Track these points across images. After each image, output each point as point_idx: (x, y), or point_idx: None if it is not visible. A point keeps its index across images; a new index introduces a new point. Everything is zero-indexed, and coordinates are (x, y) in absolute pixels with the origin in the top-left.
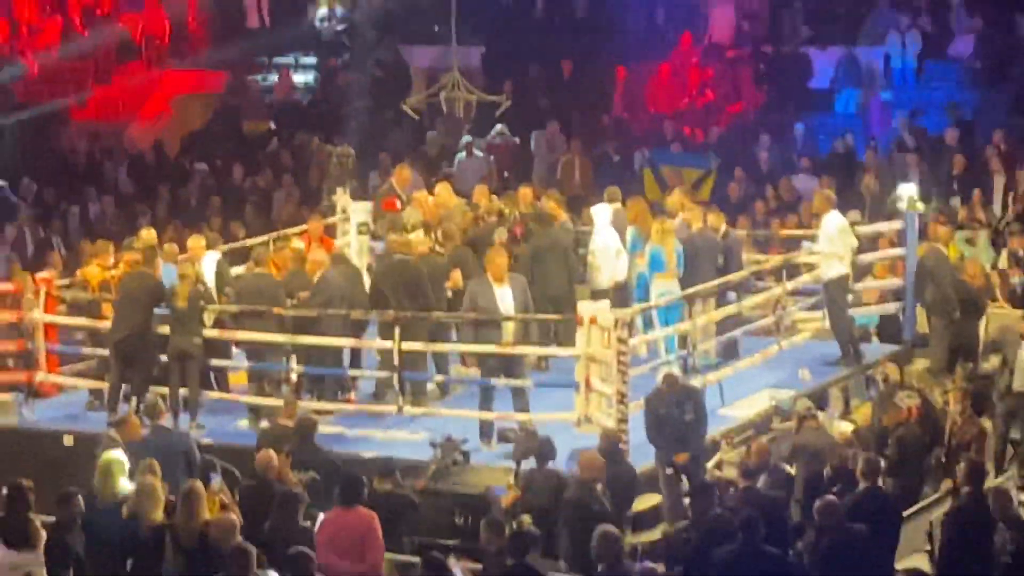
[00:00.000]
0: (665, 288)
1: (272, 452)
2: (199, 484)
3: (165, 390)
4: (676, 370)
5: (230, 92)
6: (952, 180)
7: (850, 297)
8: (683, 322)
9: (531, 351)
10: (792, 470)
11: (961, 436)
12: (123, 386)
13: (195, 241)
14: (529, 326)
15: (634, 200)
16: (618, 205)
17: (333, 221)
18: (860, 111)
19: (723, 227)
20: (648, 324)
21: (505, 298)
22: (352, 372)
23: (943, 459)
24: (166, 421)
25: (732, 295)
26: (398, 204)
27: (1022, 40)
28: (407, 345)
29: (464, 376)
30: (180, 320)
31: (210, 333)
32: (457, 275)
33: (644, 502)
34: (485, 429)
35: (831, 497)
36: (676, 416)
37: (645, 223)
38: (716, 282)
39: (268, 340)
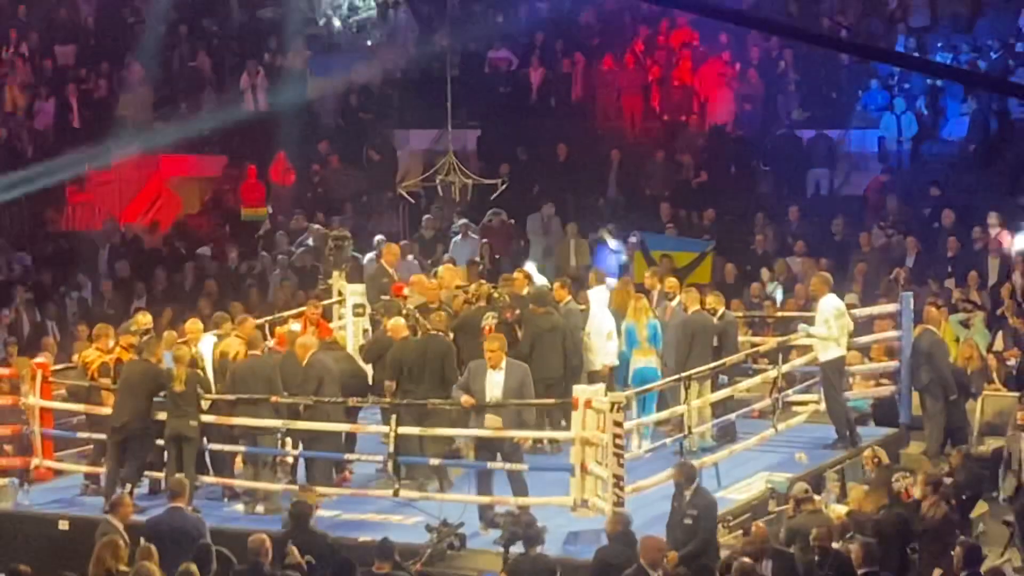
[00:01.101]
0: (642, 364)
1: (265, 536)
2: (194, 568)
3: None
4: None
5: (227, 176)
6: (948, 262)
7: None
8: (678, 405)
9: (525, 434)
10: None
11: (929, 523)
12: (120, 471)
13: (193, 324)
14: (524, 412)
15: (618, 284)
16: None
17: (330, 303)
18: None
19: (721, 309)
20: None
21: (497, 383)
22: (348, 456)
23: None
24: (183, 503)
25: (724, 378)
26: (406, 291)
27: (1015, 122)
28: (403, 429)
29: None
30: (176, 403)
31: (207, 417)
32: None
33: None
34: (483, 513)
35: None
36: (680, 512)
37: (625, 306)
38: (711, 365)
39: (263, 424)
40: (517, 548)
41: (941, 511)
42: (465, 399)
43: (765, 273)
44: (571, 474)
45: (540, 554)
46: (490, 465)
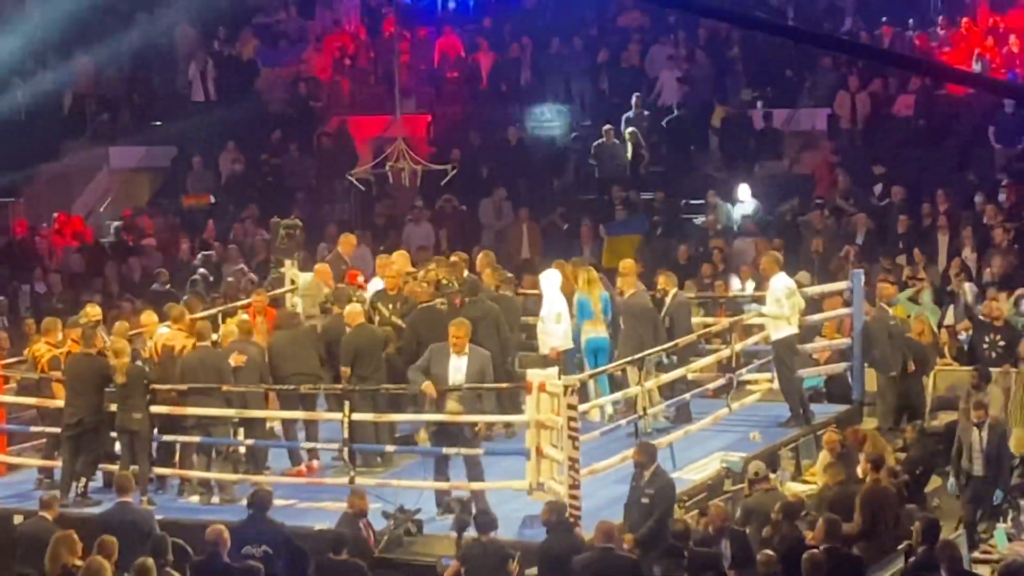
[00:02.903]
0: (594, 334)
1: (222, 526)
2: (150, 561)
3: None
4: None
5: (175, 167)
6: (898, 239)
7: (801, 357)
8: (630, 387)
9: (478, 419)
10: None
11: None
12: (75, 464)
13: (148, 316)
14: (484, 398)
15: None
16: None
17: (281, 292)
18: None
19: (673, 290)
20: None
21: (459, 368)
22: (306, 445)
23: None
24: (131, 497)
25: (672, 359)
26: (360, 279)
27: (963, 99)
28: (357, 416)
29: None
30: (120, 396)
31: (158, 409)
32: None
33: None
34: (440, 499)
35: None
36: (637, 493)
37: (571, 287)
38: (666, 346)
39: (215, 414)
40: (470, 533)
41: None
42: (426, 385)
43: (743, 273)
44: (527, 458)
45: (492, 539)
46: (445, 450)
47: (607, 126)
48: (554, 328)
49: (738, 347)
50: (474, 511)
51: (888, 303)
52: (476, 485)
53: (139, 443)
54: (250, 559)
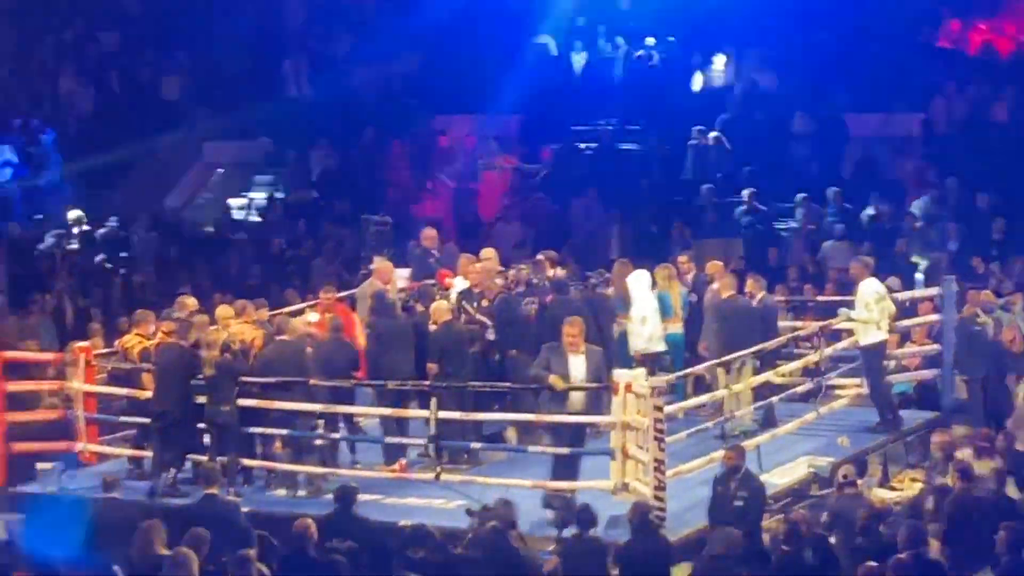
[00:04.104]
0: (672, 332)
1: (310, 520)
2: (252, 552)
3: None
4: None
5: (268, 162)
6: (990, 245)
7: (891, 363)
8: (719, 389)
9: (563, 419)
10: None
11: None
12: (165, 455)
13: (224, 310)
14: (604, 395)
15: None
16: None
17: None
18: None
19: (761, 293)
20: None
21: (579, 367)
22: (389, 440)
23: None
24: (218, 489)
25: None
26: (447, 280)
27: None
28: (444, 413)
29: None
30: (209, 389)
31: (244, 402)
32: None
33: (679, 572)
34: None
35: (873, 564)
36: (727, 496)
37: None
38: (752, 349)
39: (299, 408)
40: (571, 530)
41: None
42: (554, 379)
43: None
44: (612, 458)
45: (593, 537)
46: (531, 449)
47: (698, 127)
48: (639, 330)
49: (827, 351)
50: (576, 508)
51: (983, 310)
52: (562, 484)
53: (227, 435)
54: (335, 553)
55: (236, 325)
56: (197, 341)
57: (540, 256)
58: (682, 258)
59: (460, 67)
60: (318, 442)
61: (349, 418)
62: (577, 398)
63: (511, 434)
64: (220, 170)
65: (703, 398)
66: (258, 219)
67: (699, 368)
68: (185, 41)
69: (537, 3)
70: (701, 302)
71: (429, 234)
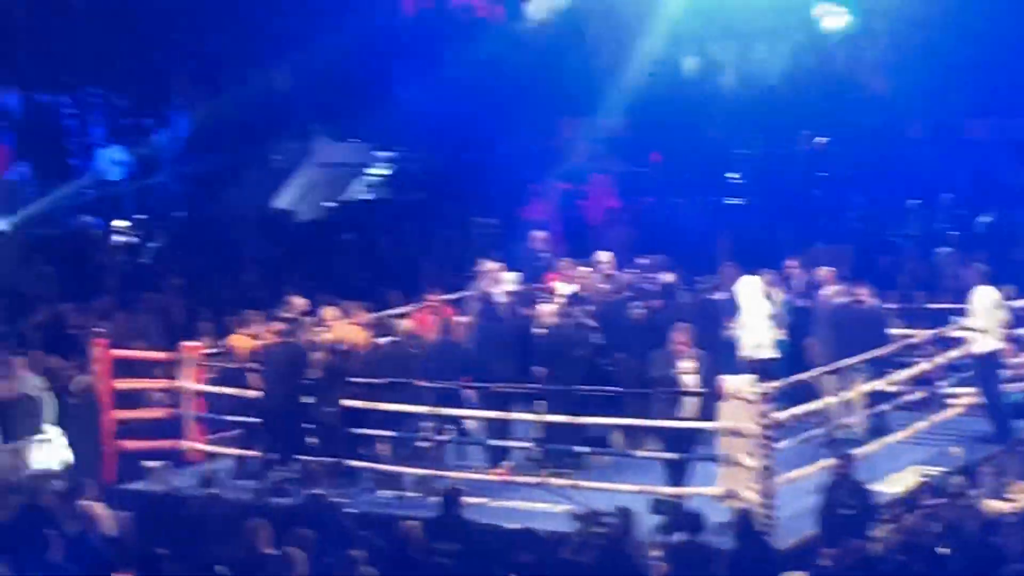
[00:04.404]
0: None
1: (415, 522)
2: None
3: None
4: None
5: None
6: None
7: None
8: (828, 396)
9: (670, 424)
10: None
11: None
12: (272, 454)
13: (330, 311)
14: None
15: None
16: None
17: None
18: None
19: (871, 300)
20: None
21: (688, 373)
22: (498, 442)
23: None
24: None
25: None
26: (555, 284)
27: None
28: (552, 417)
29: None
30: (316, 389)
31: (350, 402)
32: None
33: None
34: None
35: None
36: (836, 505)
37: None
38: (863, 356)
39: (408, 410)
40: (678, 536)
41: None
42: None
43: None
44: (720, 464)
45: (701, 543)
46: (637, 453)
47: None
48: (748, 336)
49: (939, 360)
50: (685, 513)
51: None
52: (670, 490)
53: (332, 436)
54: (440, 555)
55: (342, 326)
56: (306, 341)
57: (649, 260)
58: (790, 262)
59: (569, 70)
60: (425, 444)
61: (458, 420)
62: (690, 404)
63: (618, 438)
64: (328, 171)
65: (812, 405)
66: (365, 220)
67: (807, 375)
68: (295, 42)
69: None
70: (809, 308)
71: (539, 236)
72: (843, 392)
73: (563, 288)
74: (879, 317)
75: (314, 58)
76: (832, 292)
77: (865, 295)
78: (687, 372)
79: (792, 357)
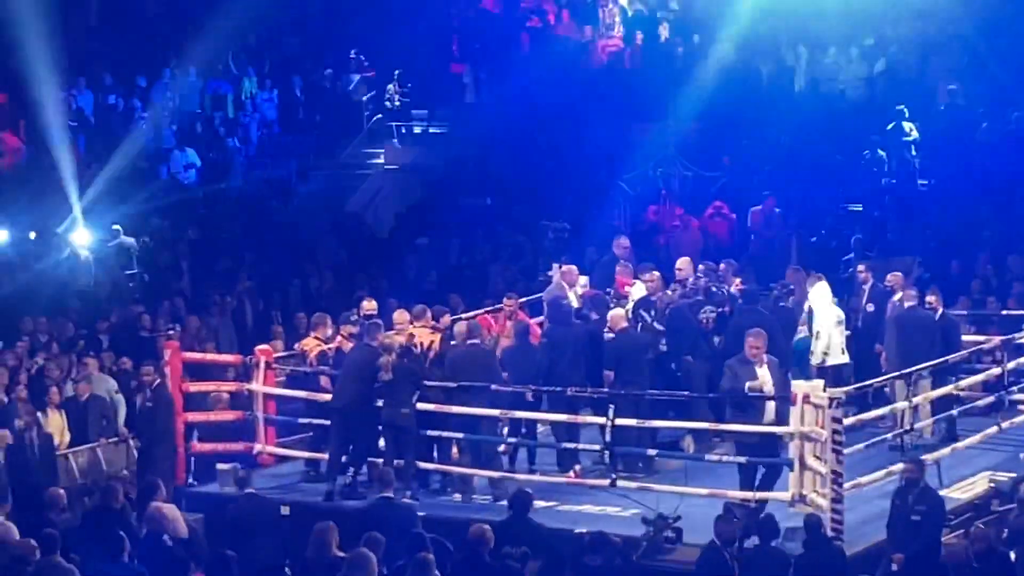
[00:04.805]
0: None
1: (486, 526)
2: (431, 557)
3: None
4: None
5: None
6: None
7: None
8: (898, 402)
9: (735, 428)
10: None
11: None
12: (343, 457)
13: (400, 315)
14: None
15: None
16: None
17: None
18: None
19: (941, 307)
20: None
21: (764, 379)
22: (568, 445)
23: None
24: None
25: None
26: (626, 288)
27: None
28: (620, 420)
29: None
30: (388, 392)
31: (423, 405)
32: None
33: None
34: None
35: None
36: (905, 510)
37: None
38: (931, 363)
39: (481, 413)
40: (751, 541)
41: None
42: (751, 385)
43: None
44: (790, 469)
45: (775, 548)
46: (707, 457)
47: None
48: (818, 341)
49: (1010, 365)
50: (759, 518)
51: None
52: (739, 494)
53: (404, 438)
54: (509, 559)
55: (414, 329)
56: (380, 344)
57: (722, 265)
58: (860, 267)
59: (640, 75)
60: (500, 448)
61: (531, 424)
62: (769, 409)
63: (688, 442)
64: (398, 174)
65: (882, 410)
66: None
67: (879, 380)
68: (365, 44)
69: (720, 13)
70: (879, 313)
71: (623, 243)
72: (913, 397)
73: (635, 292)
74: (948, 323)
75: (381, 58)
76: (900, 298)
77: (934, 301)
78: (761, 377)
79: (863, 363)
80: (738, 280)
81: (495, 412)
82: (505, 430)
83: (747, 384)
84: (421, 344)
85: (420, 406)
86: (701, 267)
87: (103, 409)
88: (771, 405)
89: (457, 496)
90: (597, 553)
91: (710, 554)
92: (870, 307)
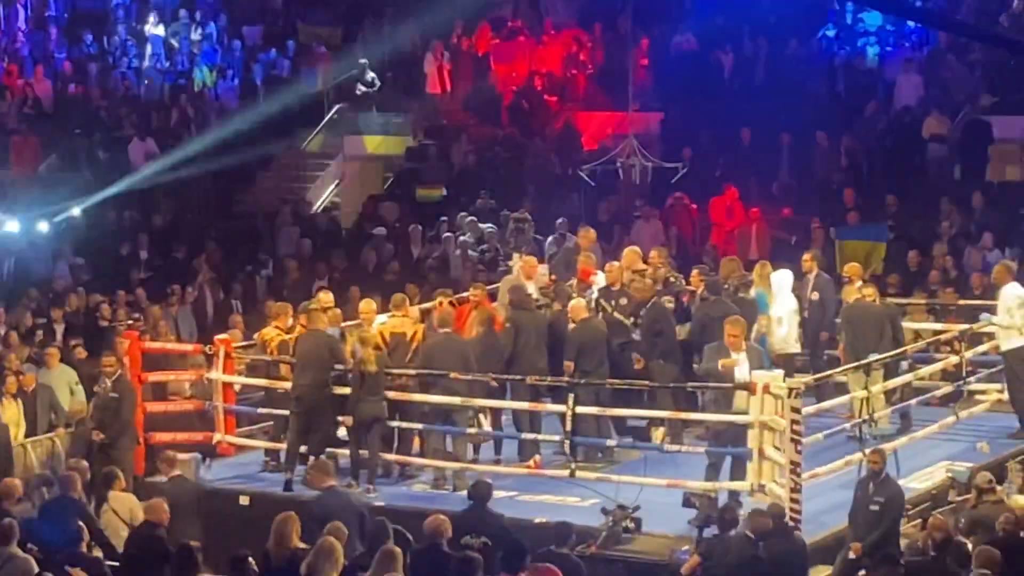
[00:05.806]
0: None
1: (444, 516)
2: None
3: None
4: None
5: (408, 157)
6: None
7: None
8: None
9: (698, 417)
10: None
11: None
12: (301, 446)
13: (367, 305)
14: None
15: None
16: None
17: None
18: None
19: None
20: None
21: (742, 366)
22: (527, 436)
23: None
24: (337, 482)
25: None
26: (590, 278)
27: None
28: (581, 409)
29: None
30: (370, 385)
31: (396, 395)
32: None
33: (816, 574)
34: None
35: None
36: (866, 500)
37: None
38: (891, 353)
39: (451, 403)
40: (710, 531)
41: None
42: (726, 361)
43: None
44: (749, 459)
45: (733, 536)
46: (667, 447)
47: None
48: (777, 330)
49: (967, 355)
50: (718, 508)
51: None
52: (699, 484)
53: (379, 430)
54: (469, 549)
55: (393, 319)
56: (341, 332)
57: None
58: (805, 256)
59: (603, 64)
60: (469, 434)
61: (496, 413)
62: (742, 398)
63: (657, 434)
64: (359, 165)
65: (839, 400)
66: (396, 214)
67: (836, 371)
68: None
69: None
70: (823, 302)
71: (589, 235)
72: (869, 388)
73: (597, 282)
74: (890, 314)
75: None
76: (849, 290)
77: (872, 293)
78: (737, 365)
79: (812, 352)
80: (697, 271)
81: (456, 401)
82: (483, 420)
83: (720, 362)
84: (403, 334)
85: (392, 395)
86: (654, 253)
87: (51, 399)
88: (743, 394)
89: (417, 486)
90: (556, 543)
91: (742, 545)
92: (815, 295)
